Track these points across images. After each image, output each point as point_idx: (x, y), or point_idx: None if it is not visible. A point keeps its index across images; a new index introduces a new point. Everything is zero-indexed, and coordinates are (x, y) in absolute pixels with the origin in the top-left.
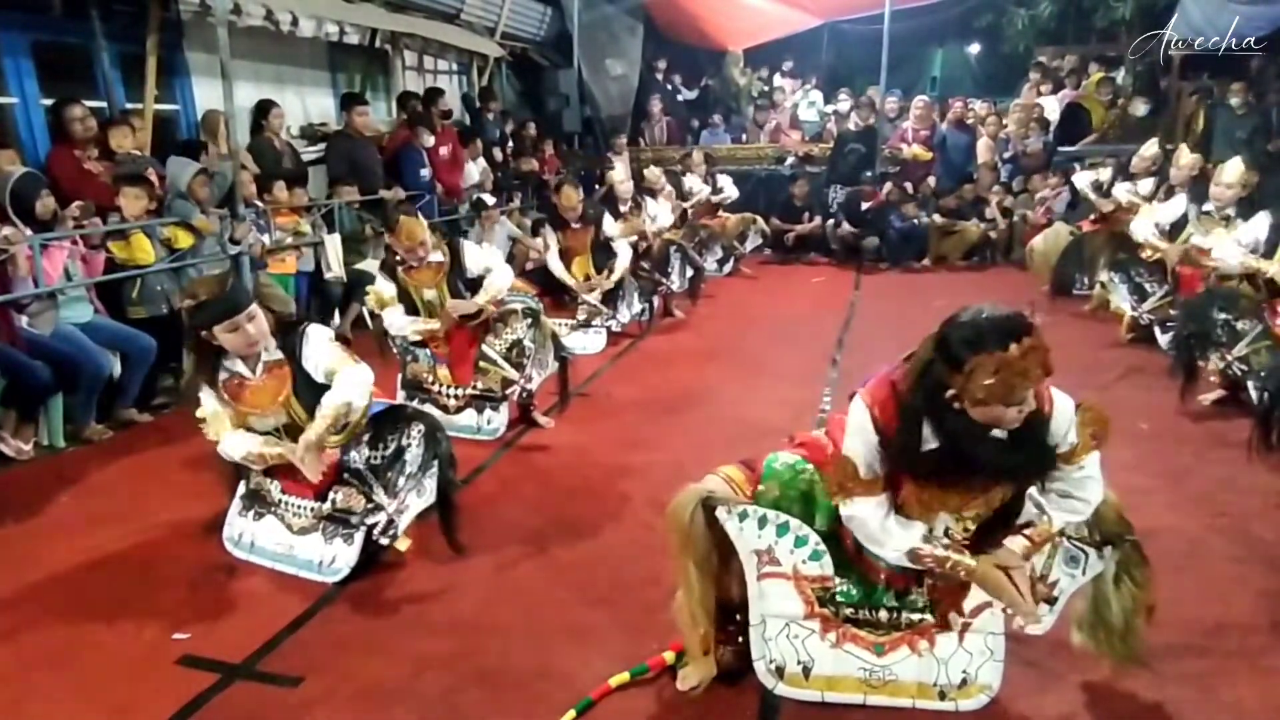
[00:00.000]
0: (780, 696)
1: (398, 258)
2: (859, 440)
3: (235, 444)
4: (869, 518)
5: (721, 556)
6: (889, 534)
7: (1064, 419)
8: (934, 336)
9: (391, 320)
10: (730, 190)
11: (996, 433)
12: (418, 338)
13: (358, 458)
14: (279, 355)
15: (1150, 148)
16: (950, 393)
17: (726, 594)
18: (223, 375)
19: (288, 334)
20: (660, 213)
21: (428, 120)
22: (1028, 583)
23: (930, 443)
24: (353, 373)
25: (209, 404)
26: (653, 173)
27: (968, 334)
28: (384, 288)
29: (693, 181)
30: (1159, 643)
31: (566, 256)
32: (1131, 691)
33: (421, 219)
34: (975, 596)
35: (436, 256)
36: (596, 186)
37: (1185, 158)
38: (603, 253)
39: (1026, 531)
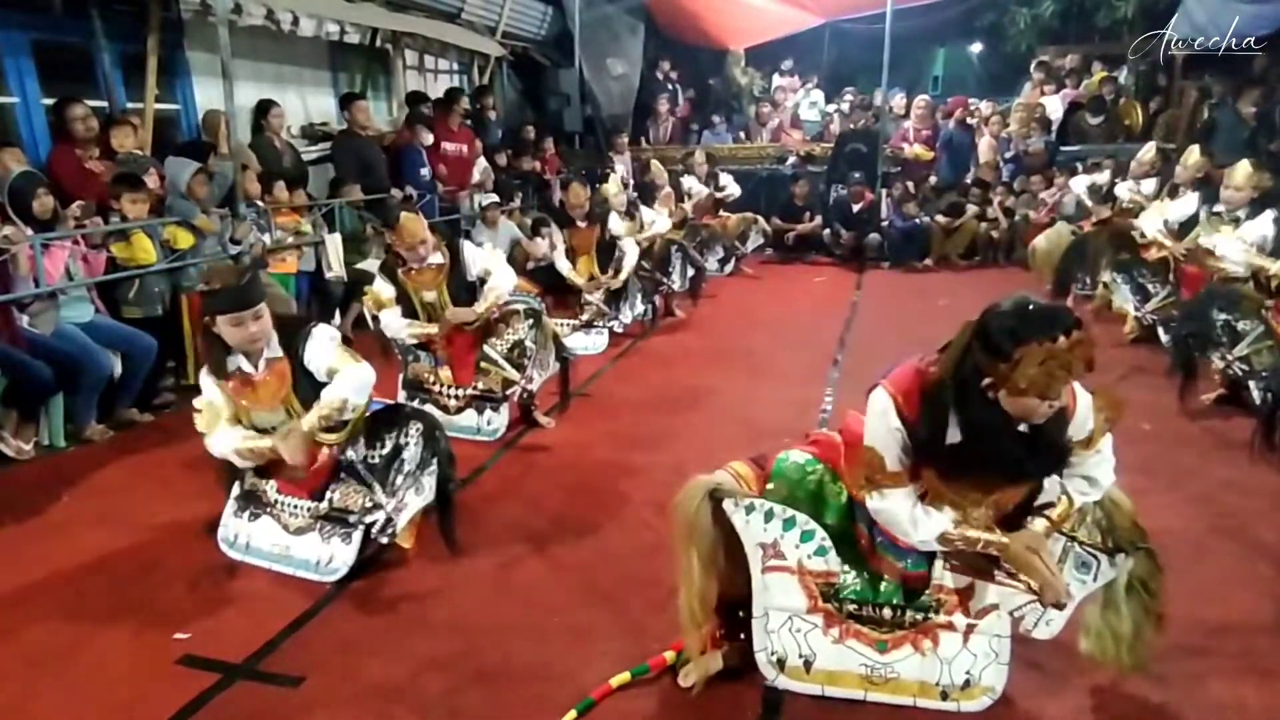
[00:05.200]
0: (782, 695)
1: (399, 260)
2: (883, 429)
3: (222, 440)
4: (898, 509)
5: (726, 549)
6: (918, 523)
7: (1085, 412)
8: (973, 324)
9: (388, 323)
10: (733, 188)
11: (1022, 428)
12: (414, 341)
13: (355, 456)
14: (280, 353)
15: (1148, 151)
16: (987, 382)
17: (730, 589)
18: (230, 368)
19: (291, 332)
20: (658, 219)
21: (427, 119)
22: (1054, 561)
23: (954, 437)
24: (354, 371)
25: (209, 392)
26: (657, 167)
27: (1014, 323)
28: (382, 289)
29: (691, 182)
30: (1161, 644)
31: (571, 256)
32: (1133, 693)
33: (421, 218)
34: (981, 598)
35: (436, 258)
36: (597, 185)
37: (1193, 158)
38: (606, 252)
39: (1046, 512)
